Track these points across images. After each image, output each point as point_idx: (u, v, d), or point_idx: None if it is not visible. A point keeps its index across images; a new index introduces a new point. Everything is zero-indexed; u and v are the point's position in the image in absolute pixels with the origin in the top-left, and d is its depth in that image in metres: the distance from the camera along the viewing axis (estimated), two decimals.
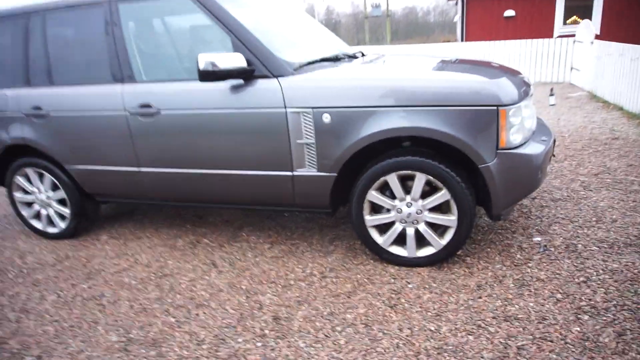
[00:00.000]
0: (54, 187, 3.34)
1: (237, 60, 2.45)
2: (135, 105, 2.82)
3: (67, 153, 3.12)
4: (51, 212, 3.42)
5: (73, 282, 2.84)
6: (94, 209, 3.48)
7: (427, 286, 2.43)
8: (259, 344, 2.11)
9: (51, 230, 3.48)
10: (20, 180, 3.38)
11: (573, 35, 9.98)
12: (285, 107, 2.49)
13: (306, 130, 2.49)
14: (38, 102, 3.10)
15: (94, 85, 2.95)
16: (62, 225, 3.42)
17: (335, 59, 2.97)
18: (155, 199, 3.13)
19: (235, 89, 2.59)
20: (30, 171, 3.33)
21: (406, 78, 2.40)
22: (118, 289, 2.72)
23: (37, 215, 3.51)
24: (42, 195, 3.39)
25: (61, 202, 3.38)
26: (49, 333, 2.35)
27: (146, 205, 4.05)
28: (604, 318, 2.06)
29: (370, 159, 2.57)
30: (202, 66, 2.40)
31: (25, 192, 3.44)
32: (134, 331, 2.30)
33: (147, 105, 2.78)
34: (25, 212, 3.50)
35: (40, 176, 3.34)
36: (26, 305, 2.64)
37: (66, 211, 3.36)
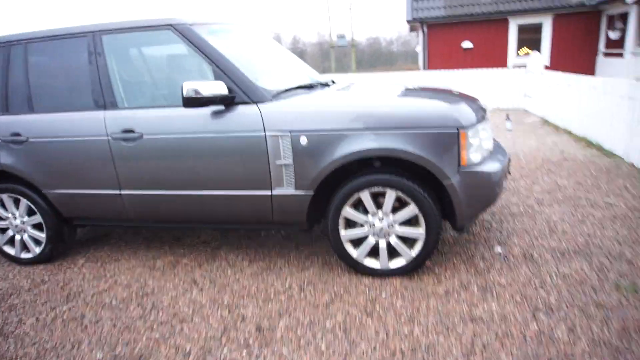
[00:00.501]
0: (30, 212, 3.35)
1: (219, 88, 2.63)
2: (117, 131, 2.92)
3: (46, 178, 3.16)
4: (26, 237, 3.42)
5: (52, 305, 2.85)
6: (71, 233, 3.50)
7: (399, 294, 2.61)
8: (244, 353, 2.21)
9: (25, 255, 3.46)
10: None
11: (525, 66, 10.73)
12: (264, 131, 2.67)
13: (284, 152, 2.67)
14: (17, 129, 3.15)
15: (76, 112, 3.04)
16: (37, 250, 3.41)
17: (309, 87, 3.20)
18: (135, 221, 3.20)
19: (216, 114, 2.75)
20: (4, 197, 3.34)
21: (376, 104, 2.64)
22: (99, 309, 2.75)
23: (10, 241, 3.49)
24: (16, 221, 3.39)
25: (37, 226, 3.39)
26: (30, 355, 2.37)
27: (122, 229, 4.09)
28: (557, 316, 2.29)
29: (344, 178, 2.76)
30: (186, 93, 2.56)
31: None
32: (119, 348, 2.35)
33: (130, 131, 2.90)
34: None
35: (16, 201, 3.35)
36: (3, 329, 2.63)
37: (42, 236, 3.36)
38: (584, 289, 2.52)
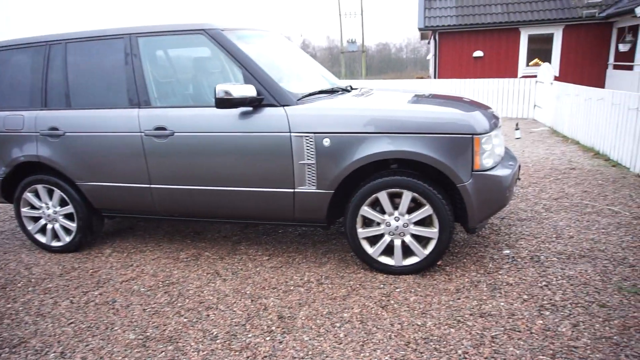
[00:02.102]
0: (62, 203, 3.54)
1: (249, 91, 2.81)
2: (150, 128, 3.11)
3: (80, 170, 3.35)
4: (57, 226, 3.61)
5: (84, 290, 3.03)
6: (99, 224, 3.69)
7: (412, 290, 2.76)
8: (267, 338, 2.37)
9: (55, 244, 3.65)
10: (29, 196, 3.57)
11: (535, 76, 10.86)
12: (290, 132, 2.84)
13: (308, 152, 2.84)
14: (54, 123, 3.34)
15: (111, 109, 3.23)
16: (67, 239, 3.60)
17: (331, 91, 3.37)
18: (162, 214, 3.38)
19: (245, 115, 2.93)
20: (39, 187, 3.53)
21: (394, 109, 2.80)
22: (128, 295, 2.93)
23: (42, 230, 3.68)
24: (49, 210, 3.58)
25: (68, 216, 3.58)
26: (67, 333, 2.55)
27: (145, 221, 4.28)
28: (562, 313, 2.43)
29: (363, 178, 2.93)
30: (218, 94, 2.74)
31: (33, 207, 3.63)
32: (149, 330, 2.52)
33: (162, 128, 3.08)
34: (30, 227, 3.67)
35: (49, 192, 3.55)
36: (40, 310, 2.81)
37: (72, 225, 3.55)
38: (588, 289, 2.66)
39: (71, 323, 2.64)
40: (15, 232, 4.24)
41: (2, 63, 3.54)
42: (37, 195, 3.59)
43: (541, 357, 2.10)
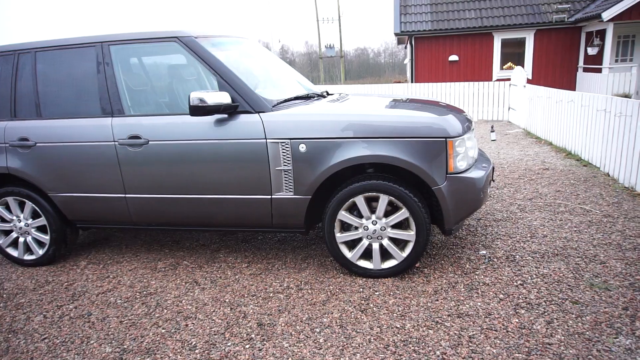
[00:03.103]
0: (34, 215, 3.45)
1: (223, 98, 2.80)
2: (124, 136, 3.07)
3: (53, 181, 3.28)
4: (29, 239, 3.52)
5: (58, 304, 2.96)
6: (73, 236, 3.61)
7: (391, 293, 2.78)
8: (247, 346, 2.36)
9: (28, 257, 3.55)
10: None
11: (509, 79, 11.12)
12: (265, 138, 2.84)
13: (284, 158, 2.84)
14: (25, 133, 3.27)
15: (84, 118, 3.18)
16: (40, 252, 3.51)
17: (307, 97, 3.39)
18: (138, 224, 3.33)
19: (220, 122, 2.91)
20: (10, 199, 3.44)
21: (369, 114, 2.83)
22: (105, 307, 2.87)
23: (14, 243, 3.58)
24: (21, 223, 3.49)
25: (40, 229, 3.49)
26: (41, 349, 2.48)
27: (122, 232, 4.21)
28: (537, 311, 2.49)
29: (339, 183, 2.94)
30: (192, 102, 2.72)
31: (4, 220, 3.53)
32: (127, 342, 2.48)
33: (136, 137, 3.04)
34: (1, 241, 3.57)
35: (20, 204, 3.46)
36: (12, 326, 2.73)
37: (45, 238, 3.47)
38: (561, 287, 2.73)
39: (45, 338, 2.58)
40: None
41: None
42: (8, 208, 3.49)
43: (517, 355, 2.15)
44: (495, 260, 3.14)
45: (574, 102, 6.22)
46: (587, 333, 2.27)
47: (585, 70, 13.26)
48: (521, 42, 13.89)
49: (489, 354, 2.16)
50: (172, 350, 2.37)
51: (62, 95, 3.25)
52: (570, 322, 2.37)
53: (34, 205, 3.40)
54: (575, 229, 3.61)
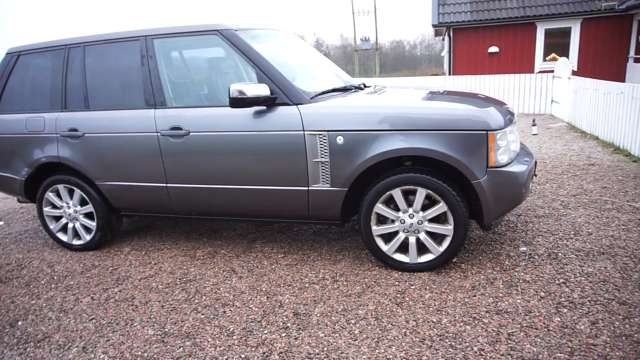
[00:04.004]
0: (82, 202, 3.62)
1: (262, 90, 2.83)
2: (166, 128, 3.16)
3: (99, 170, 3.43)
4: (77, 225, 3.70)
5: (104, 287, 3.10)
6: (118, 223, 3.76)
7: (427, 287, 2.76)
8: (283, 335, 2.40)
9: (76, 242, 3.74)
10: (50, 195, 3.67)
11: (552, 71, 10.68)
12: (303, 130, 2.86)
13: (321, 150, 2.86)
14: (74, 124, 3.42)
15: (128, 110, 3.29)
16: (87, 237, 3.69)
17: (344, 89, 3.38)
18: (178, 213, 3.44)
19: (259, 114, 2.95)
20: (60, 187, 3.62)
21: (408, 106, 2.79)
22: (147, 292, 2.99)
23: (64, 229, 3.77)
24: (70, 210, 3.67)
25: (88, 215, 3.66)
26: (89, 329, 2.61)
27: (162, 220, 4.35)
28: (580, 311, 2.40)
29: (377, 175, 2.93)
30: (232, 94, 2.77)
31: (54, 206, 3.72)
32: (168, 326, 2.57)
33: (178, 128, 3.13)
34: (52, 226, 3.77)
35: (70, 192, 3.63)
36: (63, 306, 2.89)
37: (92, 224, 3.63)
38: (607, 287, 2.62)
39: (92, 319, 2.71)
40: (38, 231, 4.36)
41: (25, 66, 3.64)
42: (59, 195, 3.68)
43: (559, 354, 2.08)
44: (536, 257, 3.05)
45: (623, 94, 5.91)
46: (636, 335, 2.18)
47: (637, 60, 12.55)
48: (566, 32, 13.28)
49: (529, 352, 2.11)
50: (211, 336, 2.44)
51: (109, 87, 3.38)
52: (617, 323, 2.28)
53: (82, 193, 3.57)
54: (623, 227, 3.45)
